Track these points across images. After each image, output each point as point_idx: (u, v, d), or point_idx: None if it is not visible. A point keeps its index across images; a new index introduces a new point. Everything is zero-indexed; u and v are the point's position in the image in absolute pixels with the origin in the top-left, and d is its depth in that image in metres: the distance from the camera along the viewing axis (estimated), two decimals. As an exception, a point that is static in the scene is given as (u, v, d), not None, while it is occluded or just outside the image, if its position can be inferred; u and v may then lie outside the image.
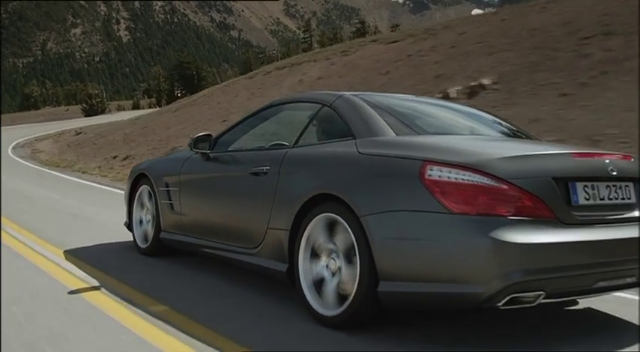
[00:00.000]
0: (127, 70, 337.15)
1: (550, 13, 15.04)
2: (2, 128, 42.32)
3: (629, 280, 3.07)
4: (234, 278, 4.37)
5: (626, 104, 9.05)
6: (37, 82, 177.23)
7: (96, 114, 77.20)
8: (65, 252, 5.26)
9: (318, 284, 3.35)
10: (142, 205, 5.39)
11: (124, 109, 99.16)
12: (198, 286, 4.25)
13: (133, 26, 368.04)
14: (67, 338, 3.10)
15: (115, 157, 19.49)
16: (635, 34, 11.23)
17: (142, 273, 4.63)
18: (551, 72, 11.57)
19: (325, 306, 3.27)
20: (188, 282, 4.38)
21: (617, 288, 3.19)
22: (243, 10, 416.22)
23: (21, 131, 44.37)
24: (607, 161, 3.10)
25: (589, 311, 3.72)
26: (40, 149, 28.15)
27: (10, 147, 29.25)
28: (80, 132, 35.05)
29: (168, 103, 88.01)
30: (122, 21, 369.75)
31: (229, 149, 4.54)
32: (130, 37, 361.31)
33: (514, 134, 4.05)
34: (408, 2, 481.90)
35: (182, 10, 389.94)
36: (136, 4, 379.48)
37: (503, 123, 4.24)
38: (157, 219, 5.04)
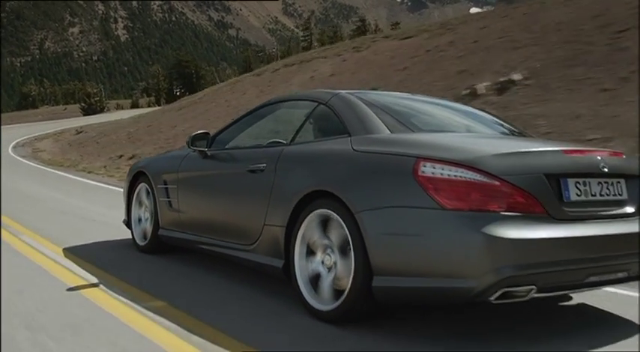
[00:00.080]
0: (125, 69, 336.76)
1: (575, 7, 14.44)
2: (1, 127, 42.06)
3: (620, 275, 3.12)
4: (232, 275, 4.41)
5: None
6: (35, 81, 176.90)
7: (94, 113, 77.22)
8: (64, 249, 5.30)
9: (314, 280, 3.39)
10: (140, 203, 5.44)
11: (122, 108, 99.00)
12: (196, 283, 4.29)
13: (131, 25, 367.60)
14: (67, 334, 3.13)
15: (120, 156, 19.17)
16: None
17: (140, 270, 4.66)
18: (586, 67, 10.97)
19: (321, 301, 3.32)
20: (187, 279, 4.41)
21: (608, 283, 3.21)
22: (241, 9, 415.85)
23: (20, 130, 44.36)
24: (598, 158, 3.14)
25: (582, 307, 3.75)
26: (41, 148, 28.06)
27: (11, 146, 29.20)
28: (81, 131, 34.90)
29: (167, 102, 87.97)
30: (120, 20, 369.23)
31: (227, 147, 4.57)
32: (127, 36, 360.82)
33: (510, 132, 4.08)
34: (406, 1, 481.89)
35: (180, 9, 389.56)
36: (134, 3, 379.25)
37: (500, 122, 4.27)
38: (155, 216, 5.09)
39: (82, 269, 4.54)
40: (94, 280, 4.23)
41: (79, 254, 5.09)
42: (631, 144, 7.49)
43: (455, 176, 2.84)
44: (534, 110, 10.12)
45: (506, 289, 2.75)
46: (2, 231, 6.17)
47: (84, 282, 4.18)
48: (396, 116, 3.62)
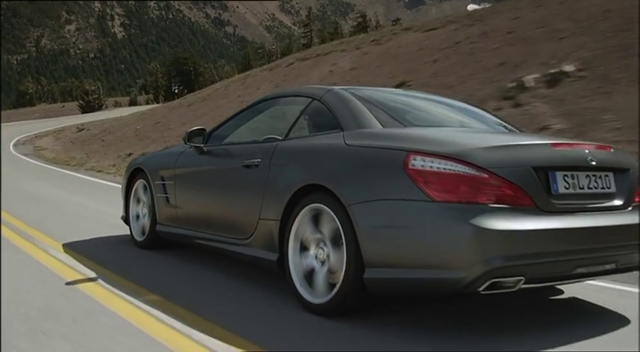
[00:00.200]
0: (122, 66, 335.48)
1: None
2: (1, 125, 41.71)
3: (608, 267, 3.17)
4: (229, 270, 4.46)
5: None
6: (32, 79, 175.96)
7: (93, 110, 77.24)
8: (64, 245, 5.31)
9: (309, 275, 3.44)
10: (138, 199, 5.49)
11: (120, 106, 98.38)
12: (194, 277, 4.31)
13: (128, 22, 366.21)
14: (66, 329, 3.15)
15: (129, 155, 18.60)
16: None
17: (138, 265, 4.67)
18: (648, 56, 10.12)
19: (315, 295, 3.37)
20: (184, 274, 4.43)
21: (596, 275, 3.25)
22: (238, 7, 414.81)
23: (18, 128, 44.60)
24: (586, 151, 3.19)
25: (573, 301, 3.79)
26: (43, 146, 27.69)
27: (11, 144, 28.92)
28: (82, 129, 34.54)
29: (165, 99, 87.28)
30: (116, 17, 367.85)
31: (223, 143, 4.62)
32: (124, 34, 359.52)
33: (503, 128, 4.12)
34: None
35: (177, 7, 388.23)
36: (131, 1, 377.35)
37: (494, 118, 4.32)
38: (152, 212, 5.13)
39: (81, 265, 4.56)
40: (92, 274, 4.27)
41: (77, 249, 5.10)
42: None
43: (444, 169, 2.88)
44: (597, 104, 9.38)
45: (495, 280, 2.79)
46: (26, 245, 5.37)
47: (82, 276, 4.21)
48: (388, 111, 3.67)
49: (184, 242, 4.80)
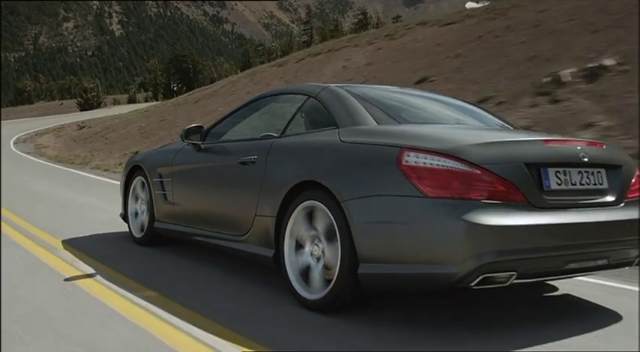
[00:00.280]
0: (120, 64, 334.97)
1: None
2: (1, 122, 41.55)
3: (600, 262, 3.20)
4: (226, 266, 4.49)
5: None
6: (30, 77, 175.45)
7: (92, 108, 77.08)
8: (63, 241, 5.35)
9: (305, 272, 3.46)
10: (136, 196, 5.52)
11: (119, 103, 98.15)
12: (192, 274, 4.33)
13: (126, 20, 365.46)
14: (61, 323, 3.17)
15: (136, 153, 17.65)
16: None
17: (137, 262, 4.69)
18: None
19: (310, 291, 3.39)
20: (182, 270, 4.45)
21: (588, 270, 3.28)
22: (236, 4, 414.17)
23: (18, 125, 44.78)
24: (578, 148, 3.22)
25: (566, 297, 3.81)
26: (44, 144, 27.55)
27: (12, 142, 28.83)
28: (83, 126, 34.32)
29: (165, 97, 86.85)
30: (114, 15, 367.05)
31: (220, 140, 4.65)
32: (122, 31, 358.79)
33: (499, 125, 4.15)
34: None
35: (175, 4, 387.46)
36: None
37: (491, 116, 4.34)
38: (150, 209, 5.16)
39: (80, 261, 4.59)
40: (91, 270, 4.30)
41: (76, 246, 5.12)
42: None
43: (437, 165, 2.91)
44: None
45: (487, 275, 2.82)
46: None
47: (80, 273, 4.24)
48: (384, 109, 3.70)
49: (182, 239, 4.84)
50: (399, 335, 3.03)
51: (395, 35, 22.47)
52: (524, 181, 2.96)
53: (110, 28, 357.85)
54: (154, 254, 4.98)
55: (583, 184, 3.21)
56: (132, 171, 5.58)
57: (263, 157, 3.87)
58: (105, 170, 14.73)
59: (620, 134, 8.01)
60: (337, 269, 3.18)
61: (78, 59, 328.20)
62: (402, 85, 14.03)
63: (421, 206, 2.88)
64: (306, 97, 4.04)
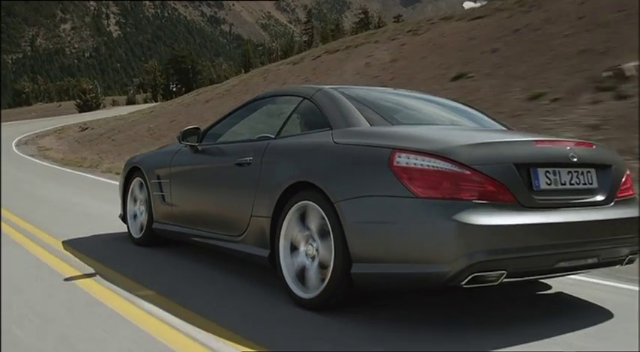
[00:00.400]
0: (118, 65, 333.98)
1: None
2: (1, 124, 41.27)
3: (590, 261, 3.25)
4: (224, 266, 4.51)
5: None
6: (28, 78, 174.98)
7: (90, 109, 76.84)
8: (63, 242, 5.37)
9: (301, 273, 3.50)
10: (135, 198, 5.58)
11: (118, 104, 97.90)
12: (190, 274, 4.35)
13: (123, 21, 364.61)
14: (61, 322, 3.18)
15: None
16: None
17: (136, 262, 4.71)
18: None
19: (305, 290, 3.45)
20: (181, 270, 4.47)
21: (578, 269, 3.33)
22: (233, 4, 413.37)
23: (17, 127, 44.35)
24: (568, 148, 3.27)
25: (558, 295, 3.84)
26: (47, 146, 27.07)
27: (14, 144, 28.42)
28: (86, 128, 33.92)
29: (164, 98, 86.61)
30: (112, 16, 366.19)
31: (217, 141, 4.71)
32: (120, 32, 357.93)
33: (493, 126, 4.18)
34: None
35: (172, 5, 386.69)
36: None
37: (485, 117, 4.38)
38: (149, 210, 5.21)
39: (79, 261, 4.59)
40: (91, 270, 4.31)
41: (76, 246, 5.10)
42: None
43: (428, 166, 2.96)
44: None
45: (477, 274, 2.86)
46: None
47: (79, 273, 4.24)
48: (377, 110, 3.75)
49: (180, 239, 4.89)
50: (394, 334, 3.06)
51: (419, 30, 21.69)
52: (513, 181, 3.00)
53: (107, 29, 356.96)
54: (152, 254, 5.00)
55: (573, 184, 3.25)
56: (130, 173, 5.63)
57: (258, 158, 3.93)
58: (117, 173, 13.26)
59: None
60: (331, 268, 3.23)
61: (75, 60, 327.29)
62: (436, 83, 13.74)
63: (412, 206, 2.93)
64: (301, 99, 4.09)
